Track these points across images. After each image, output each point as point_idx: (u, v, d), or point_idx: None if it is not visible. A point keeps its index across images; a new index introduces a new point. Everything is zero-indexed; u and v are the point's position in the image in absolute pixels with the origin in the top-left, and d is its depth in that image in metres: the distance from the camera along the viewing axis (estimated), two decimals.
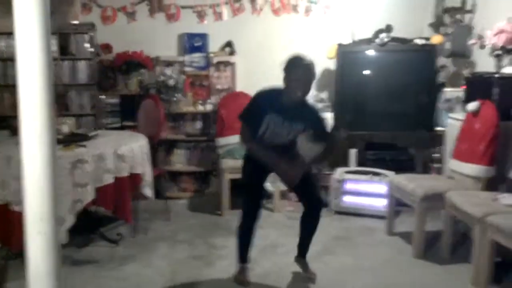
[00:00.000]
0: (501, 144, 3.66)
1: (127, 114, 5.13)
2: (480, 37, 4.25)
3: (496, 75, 3.89)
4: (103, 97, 5.16)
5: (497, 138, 3.64)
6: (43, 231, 1.80)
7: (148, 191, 4.06)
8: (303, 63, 3.08)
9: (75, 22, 5.11)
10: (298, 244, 3.51)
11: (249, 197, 3.37)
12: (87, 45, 5.09)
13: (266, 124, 3.11)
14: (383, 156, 4.91)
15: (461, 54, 4.81)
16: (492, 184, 3.66)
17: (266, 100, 3.13)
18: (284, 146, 3.20)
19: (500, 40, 3.93)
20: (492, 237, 3.03)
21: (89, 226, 4.10)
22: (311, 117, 3.20)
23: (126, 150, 3.81)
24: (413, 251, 3.73)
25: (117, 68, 5.18)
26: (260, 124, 3.12)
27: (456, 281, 3.34)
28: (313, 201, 3.34)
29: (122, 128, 5.08)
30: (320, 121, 3.23)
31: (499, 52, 4.02)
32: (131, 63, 5.16)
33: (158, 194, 4.55)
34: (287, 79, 3.08)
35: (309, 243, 3.47)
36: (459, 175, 3.88)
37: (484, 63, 4.40)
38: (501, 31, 3.92)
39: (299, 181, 3.20)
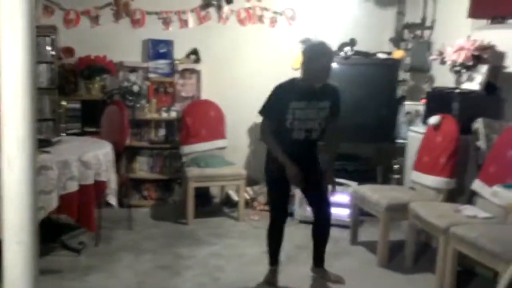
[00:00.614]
0: (461, 157, 3.81)
1: (89, 119, 5.02)
2: (440, 53, 4.42)
3: (456, 91, 4.06)
4: (64, 103, 5.02)
5: (457, 151, 3.79)
6: (22, 241, 1.76)
7: (113, 199, 3.99)
8: (327, 51, 3.18)
9: (36, 24, 4.96)
10: (313, 255, 3.57)
11: (275, 197, 3.43)
12: (48, 48, 4.95)
13: (292, 114, 3.13)
14: (345, 166, 4.99)
15: (420, 69, 4.98)
16: (453, 195, 3.80)
17: (286, 91, 3.16)
18: (314, 138, 3.26)
19: (459, 57, 4.09)
20: (455, 247, 3.15)
21: (50, 235, 3.98)
22: (333, 93, 3.29)
23: (91, 157, 3.74)
24: (377, 260, 3.81)
25: (79, 72, 5.06)
26: (284, 117, 3.14)
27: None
28: (321, 207, 3.43)
29: (83, 134, 4.95)
30: (338, 99, 3.32)
31: (459, 68, 4.18)
32: (94, 68, 5.05)
33: (121, 202, 4.47)
34: (310, 67, 3.13)
35: (323, 251, 3.53)
36: (421, 186, 4.00)
37: (443, 78, 4.56)
38: (461, 48, 4.09)
39: (311, 185, 3.30)
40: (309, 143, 3.31)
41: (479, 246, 2.92)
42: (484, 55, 3.95)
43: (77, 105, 5.06)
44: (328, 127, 3.32)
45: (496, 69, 3.94)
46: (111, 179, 3.97)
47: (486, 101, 3.90)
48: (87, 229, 3.87)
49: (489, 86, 3.91)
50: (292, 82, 3.21)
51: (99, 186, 3.80)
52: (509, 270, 2.63)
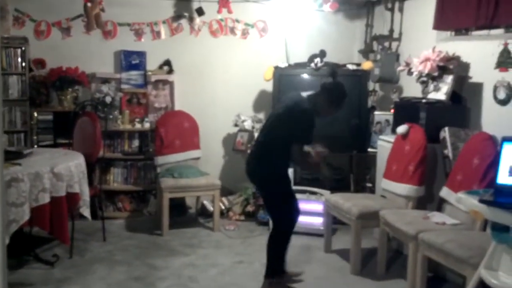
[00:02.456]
0: (429, 165, 3.92)
1: (61, 131, 4.98)
2: (408, 64, 4.54)
3: (423, 100, 4.18)
4: (35, 114, 4.98)
5: (425, 160, 3.89)
6: None
7: (86, 211, 3.97)
8: (346, 93, 3.51)
9: (6, 35, 4.93)
10: None
11: (292, 206, 3.59)
12: (19, 59, 4.92)
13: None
14: (318, 176, 5.06)
15: (389, 80, 5.09)
16: (421, 202, 3.91)
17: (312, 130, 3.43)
18: None
19: (425, 68, 4.20)
20: (424, 253, 3.24)
21: (23, 247, 3.93)
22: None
23: (63, 169, 3.73)
24: (350, 268, 3.88)
25: (50, 83, 5.03)
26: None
27: None
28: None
29: (55, 145, 4.92)
30: None
31: (425, 78, 4.30)
32: (66, 79, 5.02)
33: (94, 214, 4.45)
34: (335, 106, 3.50)
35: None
36: (391, 194, 4.10)
37: (411, 88, 4.69)
38: (427, 59, 4.21)
39: None
40: None
41: (447, 251, 3.01)
42: (449, 65, 4.08)
43: (49, 117, 5.03)
44: None
45: (461, 79, 4.08)
46: (84, 191, 3.96)
47: (452, 111, 4.02)
48: (60, 241, 3.83)
49: (455, 96, 4.03)
50: (314, 117, 3.43)
51: (72, 198, 3.79)
52: (476, 274, 2.73)
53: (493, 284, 2.58)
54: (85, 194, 3.97)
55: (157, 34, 5.38)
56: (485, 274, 2.64)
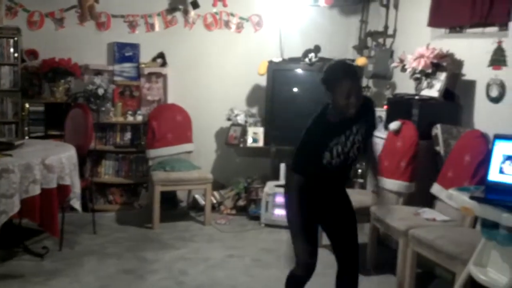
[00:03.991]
0: (421, 162, 3.92)
1: (53, 122, 4.95)
2: (401, 61, 4.54)
3: (416, 97, 4.18)
4: (27, 105, 4.95)
5: (417, 156, 3.90)
6: None
7: (77, 203, 3.95)
8: (350, 69, 2.57)
9: None
10: None
11: (304, 241, 2.66)
12: (11, 50, 4.88)
13: (329, 152, 2.58)
14: None
15: (382, 76, 5.09)
16: (412, 199, 3.92)
17: (321, 132, 2.61)
18: (346, 167, 2.72)
19: (419, 65, 4.20)
20: (414, 249, 3.25)
21: (13, 239, 3.91)
22: (368, 108, 2.72)
23: (54, 160, 3.70)
24: None
25: (43, 75, 4.99)
26: (320, 155, 2.59)
27: None
28: (350, 255, 2.83)
29: (46, 137, 4.89)
30: (373, 113, 2.83)
31: (418, 75, 4.31)
32: (58, 70, 4.98)
33: (85, 206, 4.42)
34: (336, 96, 2.51)
35: None
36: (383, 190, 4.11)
37: (404, 85, 4.70)
38: (421, 56, 4.21)
39: (339, 225, 2.77)
40: (344, 174, 2.79)
41: (437, 248, 3.03)
42: (442, 63, 4.08)
43: (41, 108, 4.99)
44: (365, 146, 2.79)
45: (454, 76, 4.08)
46: (75, 183, 3.94)
47: (445, 108, 4.02)
48: (50, 233, 3.82)
49: (448, 93, 4.04)
50: (323, 117, 2.63)
51: (63, 190, 3.77)
52: (465, 270, 2.74)
53: (482, 280, 2.60)
54: (76, 186, 3.95)
55: (151, 27, 5.35)
56: (474, 270, 2.65)
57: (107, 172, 5.21)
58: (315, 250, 2.70)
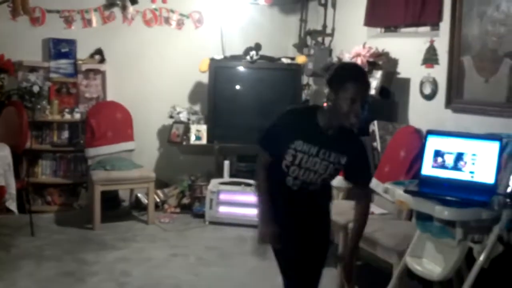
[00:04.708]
0: None
1: None
2: (340, 59, 4.65)
3: None
4: None
5: None
6: None
7: (13, 205, 3.82)
8: (360, 74, 2.27)
9: None
10: None
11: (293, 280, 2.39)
12: None
13: (292, 155, 2.28)
14: (254, 167, 5.07)
15: (322, 74, 5.20)
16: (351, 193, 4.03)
17: (294, 122, 2.32)
18: (313, 190, 2.37)
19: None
20: None
21: None
22: (356, 147, 2.36)
23: None
24: None
25: None
26: (281, 155, 2.31)
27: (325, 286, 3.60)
28: None
29: None
30: (363, 158, 2.40)
31: None
32: None
33: (21, 208, 4.27)
34: (337, 97, 2.20)
35: None
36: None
37: None
38: (358, 55, 4.33)
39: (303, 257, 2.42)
40: (307, 197, 2.39)
41: (375, 240, 3.14)
42: (378, 61, 4.22)
43: None
44: (356, 194, 2.50)
45: (390, 74, 4.23)
46: (10, 184, 3.81)
47: (381, 105, 4.15)
48: None
49: (384, 91, 4.18)
50: (305, 112, 2.40)
51: None
52: (402, 262, 2.86)
53: (417, 271, 2.72)
54: (11, 187, 3.82)
55: (88, 22, 5.21)
56: (410, 261, 2.77)
57: (44, 172, 5.05)
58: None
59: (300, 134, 2.28)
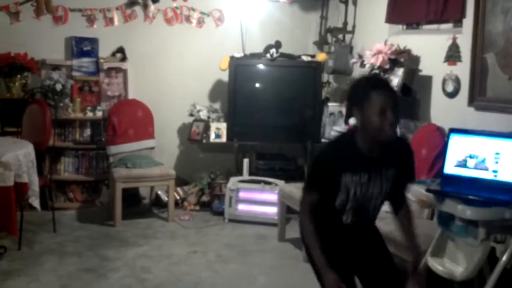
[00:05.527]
0: None
1: (9, 119, 4.82)
2: (360, 57, 4.62)
3: None
4: None
5: None
6: None
7: (36, 202, 3.88)
8: (385, 85, 2.11)
9: None
10: None
11: None
12: None
13: (345, 191, 2.15)
14: (273, 165, 5.12)
15: (342, 72, 5.17)
16: None
17: (336, 156, 2.15)
18: (374, 216, 2.33)
19: (377, 60, 4.28)
20: None
21: None
22: (403, 152, 2.26)
23: (11, 158, 3.62)
24: (303, 256, 3.93)
25: None
26: (332, 194, 2.17)
27: None
28: None
29: (3, 134, 4.76)
30: (410, 159, 2.30)
31: (377, 71, 4.38)
32: (14, 66, 4.86)
33: (44, 204, 4.34)
34: (365, 113, 2.04)
35: None
36: None
37: None
38: (379, 52, 4.29)
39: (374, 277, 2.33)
40: (366, 226, 2.35)
41: (396, 239, 3.10)
42: (400, 59, 4.17)
43: None
44: (398, 200, 2.36)
45: (411, 72, 4.18)
46: (33, 181, 3.86)
47: (403, 103, 4.10)
48: (8, 232, 3.72)
49: (405, 88, 4.13)
50: (346, 140, 2.19)
51: (20, 188, 3.69)
52: (423, 261, 2.83)
53: (439, 271, 2.68)
54: (35, 184, 3.87)
55: (110, 21, 5.26)
56: (431, 261, 2.73)
57: (66, 169, 5.11)
58: None
59: (346, 166, 2.12)
